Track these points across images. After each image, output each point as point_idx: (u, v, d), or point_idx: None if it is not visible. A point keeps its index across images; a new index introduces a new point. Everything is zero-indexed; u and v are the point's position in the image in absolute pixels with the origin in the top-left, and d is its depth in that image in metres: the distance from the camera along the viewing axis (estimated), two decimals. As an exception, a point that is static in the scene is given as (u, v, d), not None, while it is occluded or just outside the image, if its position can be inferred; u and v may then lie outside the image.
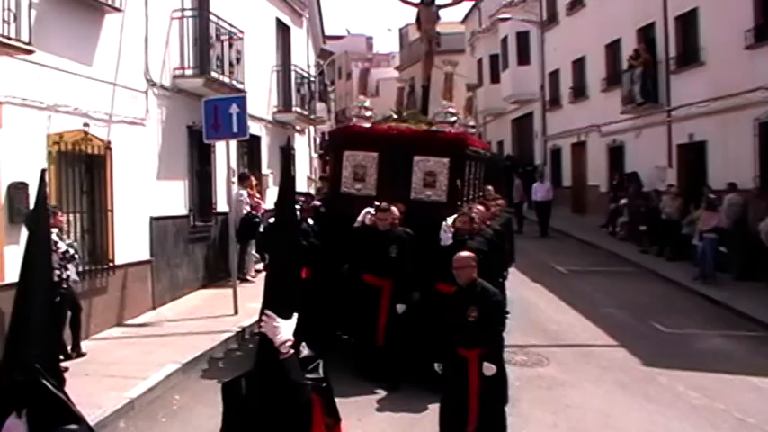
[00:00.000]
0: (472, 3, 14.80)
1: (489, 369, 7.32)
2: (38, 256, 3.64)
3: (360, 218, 10.75)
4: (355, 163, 11.58)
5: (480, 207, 11.72)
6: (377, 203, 10.61)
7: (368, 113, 12.34)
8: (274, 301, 3.74)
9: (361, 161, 11.57)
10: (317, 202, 12.27)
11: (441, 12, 14.30)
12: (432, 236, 10.22)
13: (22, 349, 3.34)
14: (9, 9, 9.30)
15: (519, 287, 15.36)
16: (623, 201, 24.01)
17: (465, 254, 7.94)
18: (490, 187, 15.42)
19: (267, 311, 3.70)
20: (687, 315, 14.60)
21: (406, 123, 12.53)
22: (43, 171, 3.91)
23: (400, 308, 10.17)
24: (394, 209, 10.50)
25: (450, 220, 10.25)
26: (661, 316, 14.25)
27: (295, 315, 3.79)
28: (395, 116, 13.23)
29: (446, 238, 10.07)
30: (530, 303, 15.04)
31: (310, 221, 11.48)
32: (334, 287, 10.90)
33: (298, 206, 11.08)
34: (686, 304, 15.65)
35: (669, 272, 18.42)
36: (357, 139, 11.78)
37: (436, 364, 9.09)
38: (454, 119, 12.28)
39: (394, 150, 11.46)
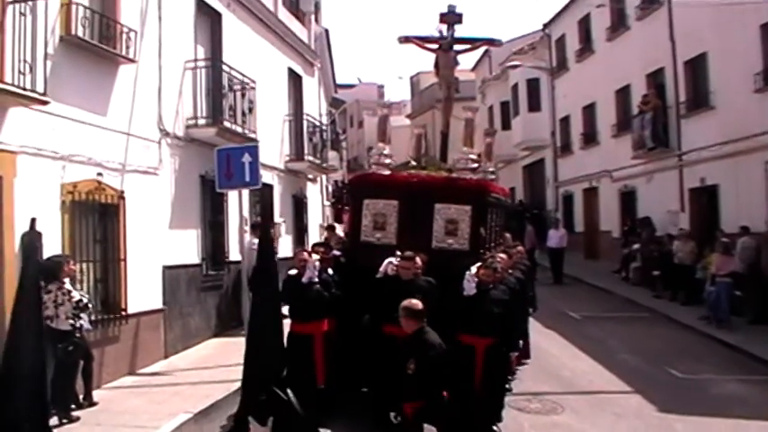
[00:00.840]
0: (484, 48, 14.53)
1: (428, 431, 7.24)
2: (26, 310, 3.63)
3: (382, 268, 10.44)
4: (375, 211, 11.42)
5: (503, 255, 11.53)
6: (399, 252, 10.33)
7: (387, 161, 12.21)
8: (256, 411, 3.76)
9: (381, 209, 11.40)
10: (336, 252, 11.99)
11: (459, 57, 14.14)
12: (454, 285, 9.92)
13: (12, 408, 3.32)
14: (25, 60, 9.46)
15: (532, 333, 15.21)
16: (636, 246, 23.95)
17: (410, 302, 7.93)
18: (508, 235, 15.23)
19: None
20: (702, 360, 14.48)
21: (426, 170, 12.41)
22: (33, 220, 3.93)
23: None
24: (417, 258, 10.24)
25: (473, 269, 9.96)
26: (675, 361, 14.12)
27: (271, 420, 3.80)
28: (414, 163, 13.14)
29: (469, 288, 9.83)
30: (543, 350, 14.93)
31: (330, 271, 11.09)
32: (356, 339, 10.60)
33: (316, 257, 10.83)
34: (701, 349, 15.53)
35: (683, 317, 18.30)
36: (377, 187, 11.63)
37: (392, 414, 8.91)
38: (475, 165, 12.16)
39: (414, 198, 11.29)
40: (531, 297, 14.06)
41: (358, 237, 11.55)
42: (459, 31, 13.94)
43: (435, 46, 13.91)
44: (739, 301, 17.22)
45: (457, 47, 13.95)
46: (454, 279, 9.98)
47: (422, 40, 14.02)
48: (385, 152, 12.26)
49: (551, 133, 34.91)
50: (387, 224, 11.33)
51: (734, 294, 17.09)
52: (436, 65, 14.06)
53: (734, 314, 17.02)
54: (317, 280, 10.51)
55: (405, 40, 13.96)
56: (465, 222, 11.07)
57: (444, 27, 13.78)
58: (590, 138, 30.70)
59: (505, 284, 10.49)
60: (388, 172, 12.07)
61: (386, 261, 10.44)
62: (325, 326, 10.65)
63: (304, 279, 10.41)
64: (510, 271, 11.61)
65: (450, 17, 13.69)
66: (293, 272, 10.66)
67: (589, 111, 30.84)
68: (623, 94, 27.31)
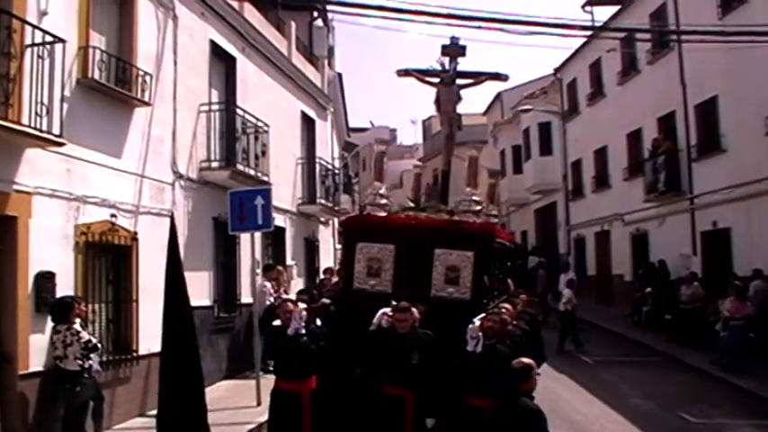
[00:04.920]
0: (494, 81, 13.03)
1: None
2: None
3: (375, 320, 9.51)
4: (370, 256, 10.47)
5: (508, 306, 10.66)
6: (395, 303, 9.42)
7: (383, 201, 11.18)
8: None
9: (376, 254, 10.45)
10: (326, 300, 11.13)
11: (462, 92, 13.11)
12: (455, 338, 9.13)
13: None
14: (42, 102, 9.61)
15: (543, 378, 14.98)
16: (648, 289, 23.83)
17: None
18: (510, 281, 13.90)
19: None
20: (715, 404, 14.34)
21: (425, 213, 11.60)
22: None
23: (429, 422, 9.04)
24: (414, 309, 9.33)
25: (476, 322, 9.11)
26: (688, 406, 13.98)
27: None
28: (412, 204, 12.37)
29: (474, 344, 9.00)
30: (555, 394, 14.82)
31: (318, 322, 10.12)
32: (347, 396, 9.65)
33: (303, 305, 10.06)
34: (714, 394, 15.37)
35: (696, 361, 18.14)
36: (372, 230, 10.66)
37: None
38: (479, 208, 11.24)
39: (413, 242, 10.37)
40: (538, 349, 12.37)
41: (350, 284, 10.61)
42: (463, 65, 13.08)
43: (437, 80, 12.99)
44: (752, 345, 17.08)
45: (459, 81, 13.01)
46: (455, 331, 9.21)
47: (422, 74, 13.04)
48: (381, 192, 11.27)
49: (563, 177, 34.97)
50: (382, 270, 10.41)
51: (748, 338, 16.95)
52: (437, 100, 13.13)
53: (747, 358, 16.88)
54: (303, 332, 9.67)
55: (404, 73, 13.06)
56: (467, 270, 10.15)
57: (446, 60, 12.91)
58: (602, 181, 30.75)
59: (511, 338, 9.69)
60: (384, 213, 11.08)
61: (380, 312, 9.54)
62: (314, 383, 9.80)
63: (290, 331, 9.62)
64: (514, 322, 10.67)
65: (453, 49, 12.83)
66: (278, 323, 9.97)
67: (601, 154, 30.92)
68: (635, 137, 27.37)
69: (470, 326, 9.07)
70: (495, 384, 8.64)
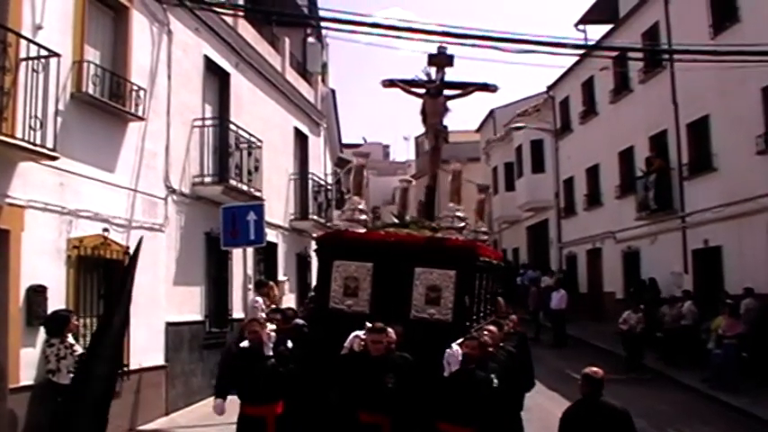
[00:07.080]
0: (483, 92, 12.29)
1: None
2: None
3: (347, 343, 8.91)
4: (347, 275, 9.88)
5: (492, 327, 9.94)
6: (370, 323, 8.86)
7: (362, 217, 10.62)
8: None
9: (353, 273, 9.86)
10: (299, 321, 10.50)
11: (449, 103, 12.58)
12: (435, 362, 8.58)
13: None
14: (36, 116, 9.62)
15: (535, 395, 15.02)
16: (640, 307, 23.79)
17: None
18: (501, 300, 13.39)
19: None
20: (707, 423, 14.32)
21: (408, 229, 11.03)
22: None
23: None
24: (390, 330, 8.78)
25: (454, 346, 8.57)
26: (681, 424, 13.98)
27: None
28: (396, 220, 11.97)
29: (450, 369, 8.49)
30: (547, 412, 14.72)
31: (290, 344, 9.76)
32: (320, 423, 9.10)
33: (273, 326, 9.75)
34: (706, 412, 15.36)
35: (687, 379, 18.15)
36: (349, 247, 10.07)
37: None
38: (462, 224, 10.61)
39: (392, 260, 9.79)
40: (527, 373, 11.80)
41: (326, 304, 9.97)
42: (450, 75, 12.56)
43: (423, 91, 12.48)
44: (745, 363, 17.08)
45: (447, 92, 12.51)
46: (436, 355, 8.64)
47: (408, 84, 12.62)
48: (360, 207, 10.70)
49: (555, 194, 35.02)
50: (359, 290, 9.80)
51: (740, 357, 16.95)
52: (423, 111, 12.60)
53: (739, 376, 16.86)
54: (271, 354, 9.31)
55: (389, 83, 12.62)
56: (449, 290, 9.56)
57: (433, 70, 12.40)
58: (594, 199, 30.79)
59: (495, 362, 9.13)
60: (362, 230, 10.48)
61: (352, 335, 8.94)
62: (281, 407, 9.41)
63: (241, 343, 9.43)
64: (501, 344, 10.09)
65: (440, 59, 12.37)
66: (245, 344, 9.53)
67: (593, 172, 30.97)
68: (626, 155, 27.42)
69: (447, 351, 8.60)
70: (473, 412, 8.35)
